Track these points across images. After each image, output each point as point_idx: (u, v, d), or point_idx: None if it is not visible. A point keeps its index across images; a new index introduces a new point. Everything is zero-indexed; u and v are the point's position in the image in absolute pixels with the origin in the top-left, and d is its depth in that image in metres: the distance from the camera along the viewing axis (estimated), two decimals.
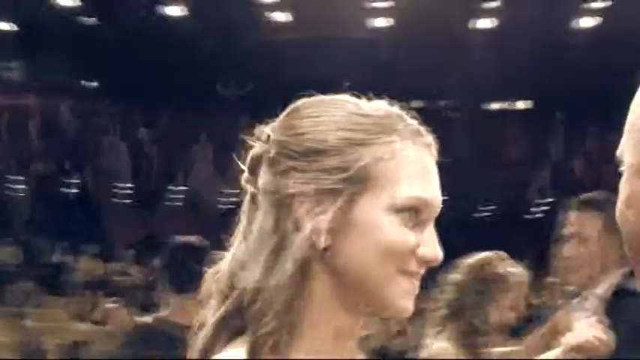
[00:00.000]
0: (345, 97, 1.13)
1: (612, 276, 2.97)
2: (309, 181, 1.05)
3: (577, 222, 3.02)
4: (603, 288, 2.97)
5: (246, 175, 1.13)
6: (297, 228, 1.05)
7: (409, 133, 1.09)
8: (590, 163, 16.55)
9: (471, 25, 17.70)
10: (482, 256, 3.10)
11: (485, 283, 2.81)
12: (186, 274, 3.88)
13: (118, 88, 17.79)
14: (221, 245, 3.95)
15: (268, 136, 1.12)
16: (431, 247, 1.06)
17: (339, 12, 16.83)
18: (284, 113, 1.14)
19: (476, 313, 2.82)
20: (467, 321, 2.83)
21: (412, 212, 1.05)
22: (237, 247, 1.11)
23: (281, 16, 17.78)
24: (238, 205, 1.14)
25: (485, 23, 17.64)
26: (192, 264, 3.89)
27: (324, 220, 1.04)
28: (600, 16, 17.01)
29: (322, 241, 1.04)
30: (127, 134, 17.28)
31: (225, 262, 1.12)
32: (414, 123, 1.12)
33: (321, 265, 1.05)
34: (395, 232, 1.04)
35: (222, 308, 1.08)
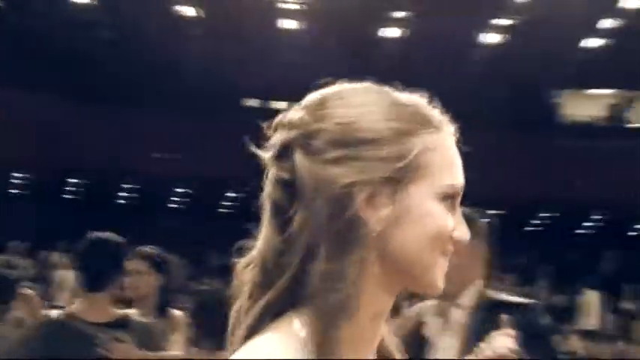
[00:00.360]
0: (371, 85, 1.16)
1: (474, 286, 3.05)
2: (366, 171, 1.07)
3: None
4: (466, 298, 3.04)
5: (274, 161, 1.12)
6: (358, 217, 1.06)
7: (441, 123, 1.14)
8: (488, 172, 16.95)
9: (380, 33, 17.90)
10: None
11: None
12: (98, 270, 3.78)
13: (17, 73, 17.23)
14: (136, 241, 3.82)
15: (298, 123, 1.11)
16: (463, 229, 1.13)
17: (249, 10, 16.76)
18: (314, 101, 1.13)
19: None
20: None
21: (450, 198, 1.12)
22: (271, 237, 1.10)
23: (190, 11, 17.58)
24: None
25: (394, 32, 17.86)
26: (106, 260, 3.78)
27: (386, 209, 1.07)
28: (506, 33, 17.46)
29: (377, 229, 1.07)
30: (26, 122, 16.73)
31: (257, 252, 1.12)
32: (439, 112, 1.16)
33: (370, 250, 1.08)
34: (442, 217, 1.10)
35: (266, 297, 1.08)
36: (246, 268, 1.12)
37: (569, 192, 16.44)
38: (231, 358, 1.06)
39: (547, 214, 19.68)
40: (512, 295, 3.16)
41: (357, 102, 1.11)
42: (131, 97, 17.28)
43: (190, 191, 20.12)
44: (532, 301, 3.23)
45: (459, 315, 3.01)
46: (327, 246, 1.05)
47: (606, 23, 17.35)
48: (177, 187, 20.12)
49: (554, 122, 18.72)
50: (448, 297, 3.02)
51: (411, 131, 1.10)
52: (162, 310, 4.33)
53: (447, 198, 1.11)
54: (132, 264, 4.23)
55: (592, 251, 17.91)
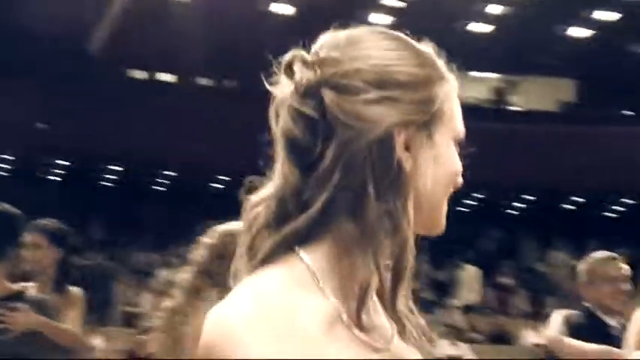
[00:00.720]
0: (388, 30, 1.16)
1: None
2: (406, 113, 1.08)
3: None
4: None
5: (298, 98, 1.08)
6: (400, 157, 1.07)
7: (448, 73, 1.17)
8: None
9: (270, 9, 17.83)
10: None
11: None
12: None
13: None
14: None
15: (330, 61, 1.09)
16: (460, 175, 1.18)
17: None
18: (343, 41, 1.11)
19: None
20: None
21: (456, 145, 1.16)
22: (290, 173, 1.08)
23: None
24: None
25: (285, 9, 17.82)
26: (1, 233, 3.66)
27: (420, 152, 1.09)
28: (393, 15, 17.71)
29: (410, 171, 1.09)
30: None
31: (273, 188, 1.09)
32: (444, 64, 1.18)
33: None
34: (457, 162, 1.15)
35: (282, 232, 1.06)
36: (258, 204, 1.10)
37: None
38: (236, 288, 1.04)
39: None
40: None
41: (388, 45, 1.12)
42: (17, 69, 16.64)
43: (69, 163, 19.61)
44: None
45: None
46: (375, 187, 1.04)
47: (492, 9, 17.84)
48: (57, 159, 19.56)
49: None
50: None
51: (434, 79, 1.12)
52: (59, 285, 4.23)
53: (455, 144, 1.15)
54: (31, 237, 4.10)
55: (471, 228, 18.48)
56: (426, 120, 1.10)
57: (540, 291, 14.89)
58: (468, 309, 13.49)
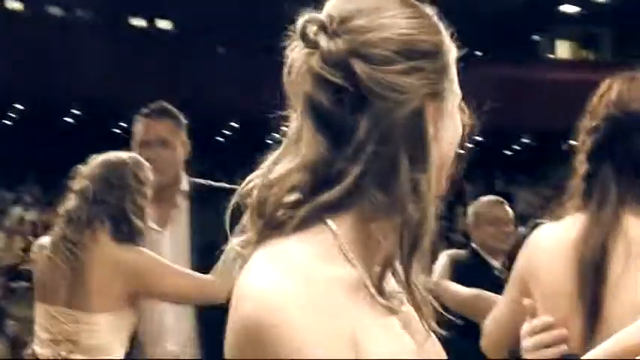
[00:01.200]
0: None
1: (184, 175, 3.18)
2: (433, 83, 1.08)
3: (151, 127, 3.16)
4: (184, 183, 3.18)
5: (324, 66, 1.04)
6: (432, 130, 1.07)
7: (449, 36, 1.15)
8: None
9: None
10: (118, 153, 2.90)
11: (137, 180, 2.80)
12: None
13: None
14: None
15: (357, 29, 1.06)
16: None
17: None
18: (363, 9, 1.08)
19: (133, 211, 2.79)
20: (127, 220, 2.79)
21: None
22: (319, 143, 1.05)
23: None
24: None
25: None
26: None
27: (440, 121, 1.09)
28: None
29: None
30: None
31: (302, 159, 1.06)
32: None
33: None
34: (460, 126, 1.15)
35: (313, 204, 1.04)
36: (284, 176, 1.06)
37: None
38: (266, 258, 1.03)
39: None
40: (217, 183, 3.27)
41: (409, 12, 1.09)
42: None
43: None
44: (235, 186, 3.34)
45: (181, 200, 3.15)
46: (407, 158, 1.05)
47: None
48: None
49: None
50: (169, 184, 3.14)
51: (444, 45, 1.11)
52: None
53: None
54: None
55: None
56: (446, 89, 1.10)
57: None
58: None
